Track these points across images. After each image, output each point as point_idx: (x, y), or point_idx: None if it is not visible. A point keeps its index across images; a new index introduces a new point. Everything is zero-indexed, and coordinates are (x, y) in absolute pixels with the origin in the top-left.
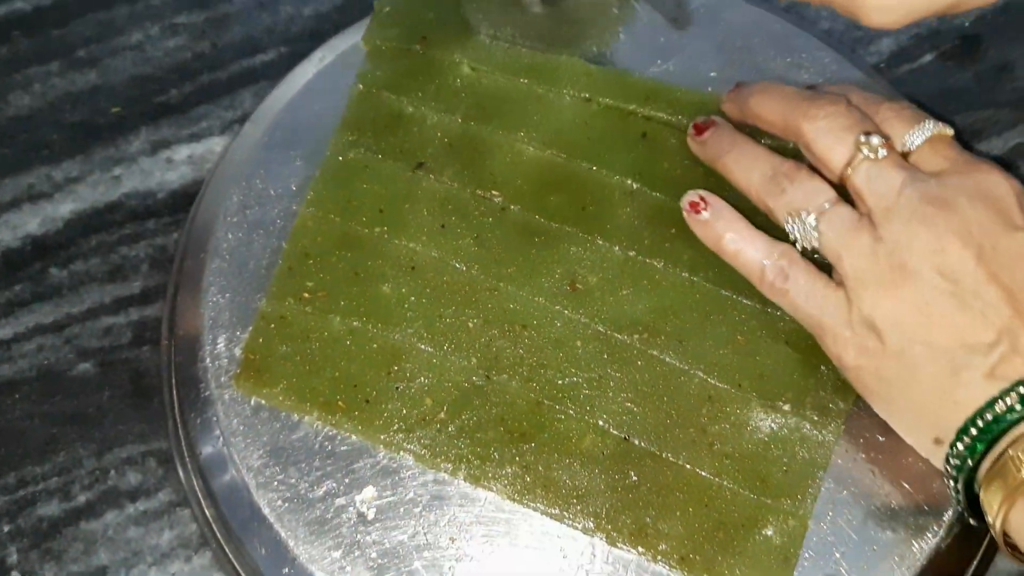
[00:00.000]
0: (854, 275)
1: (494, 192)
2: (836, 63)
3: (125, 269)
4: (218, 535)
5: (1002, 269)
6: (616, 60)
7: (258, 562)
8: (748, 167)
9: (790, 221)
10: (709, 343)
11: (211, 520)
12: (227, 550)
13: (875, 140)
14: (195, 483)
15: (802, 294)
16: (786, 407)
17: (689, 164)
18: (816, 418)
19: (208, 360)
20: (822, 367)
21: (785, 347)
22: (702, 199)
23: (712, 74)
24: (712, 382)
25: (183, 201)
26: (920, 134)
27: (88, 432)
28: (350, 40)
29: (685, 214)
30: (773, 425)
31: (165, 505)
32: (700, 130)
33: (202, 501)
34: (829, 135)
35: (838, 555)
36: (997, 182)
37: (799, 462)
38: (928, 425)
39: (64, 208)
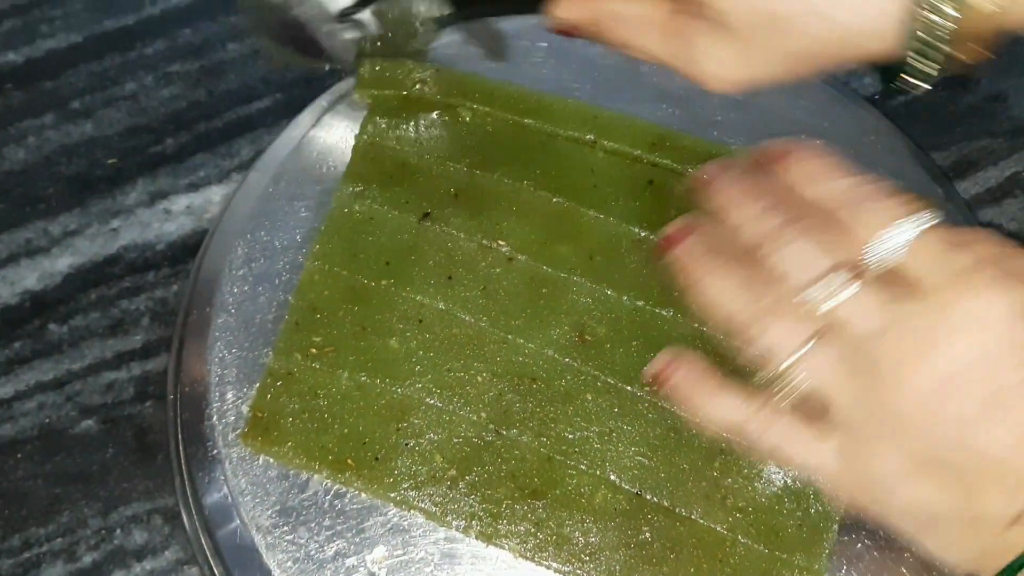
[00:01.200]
0: (845, 424)
1: (500, 242)
2: (831, 98)
3: (126, 323)
4: None
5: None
6: (619, 103)
7: None
8: (723, 298)
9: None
10: None
11: None
12: None
13: (840, 278)
14: (203, 542)
15: (788, 448)
16: None
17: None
18: None
19: (215, 417)
20: None
21: None
22: (666, 366)
23: (717, 118)
24: (724, 435)
25: (182, 252)
26: (898, 238)
27: (92, 491)
28: (352, 84)
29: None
30: (786, 478)
31: (172, 563)
32: (671, 243)
33: (210, 560)
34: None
35: None
36: (989, 305)
37: (812, 515)
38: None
39: (62, 262)
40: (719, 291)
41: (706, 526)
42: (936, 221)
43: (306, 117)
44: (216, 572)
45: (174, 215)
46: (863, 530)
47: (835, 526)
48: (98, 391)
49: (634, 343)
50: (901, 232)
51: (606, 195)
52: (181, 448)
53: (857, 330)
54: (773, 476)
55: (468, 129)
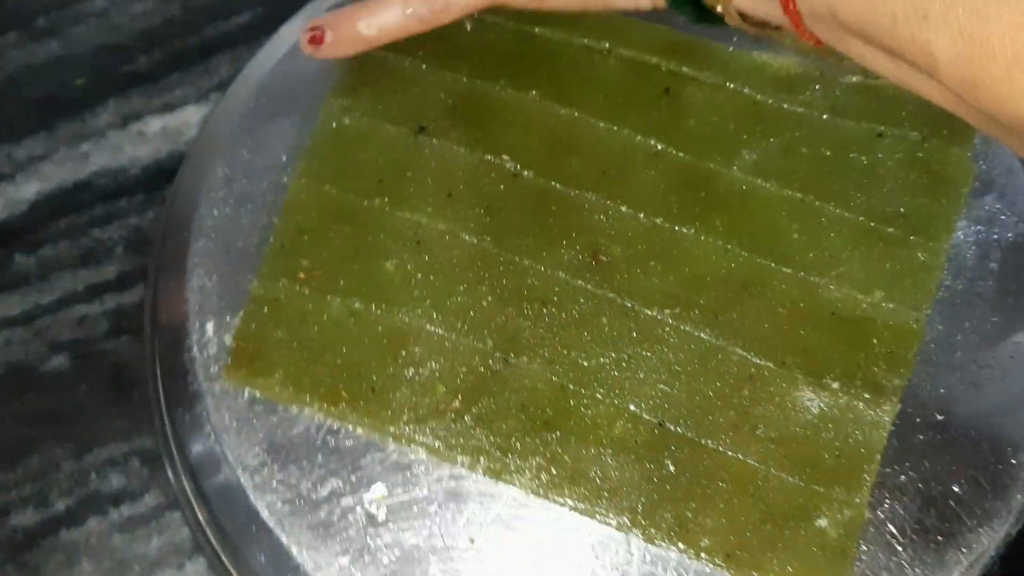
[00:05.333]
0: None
1: (505, 156)
2: None
3: (98, 253)
4: (213, 541)
5: None
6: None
7: (257, 570)
8: None
9: None
10: (748, 317)
11: (204, 525)
12: (223, 557)
13: None
14: (186, 485)
15: None
16: (835, 385)
17: (718, 121)
18: (869, 396)
19: (195, 350)
20: (873, 340)
21: (832, 319)
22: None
23: (734, 38)
24: (752, 359)
25: (158, 177)
26: None
27: (65, 432)
28: None
29: (307, 51)
30: (822, 405)
31: (152, 509)
32: None
33: (194, 504)
34: None
35: (898, 547)
36: None
37: (852, 445)
38: None
39: (29, 189)
40: None
41: (735, 458)
42: None
43: (290, 28)
44: (200, 516)
45: (148, 137)
46: (907, 461)
47: (877, 456)
48: (69, 326)
49: (652, 263)
50: None
51: (619, 105)
52: (160, 384)
53: None
54: (808, 404)
55: (469, 38)
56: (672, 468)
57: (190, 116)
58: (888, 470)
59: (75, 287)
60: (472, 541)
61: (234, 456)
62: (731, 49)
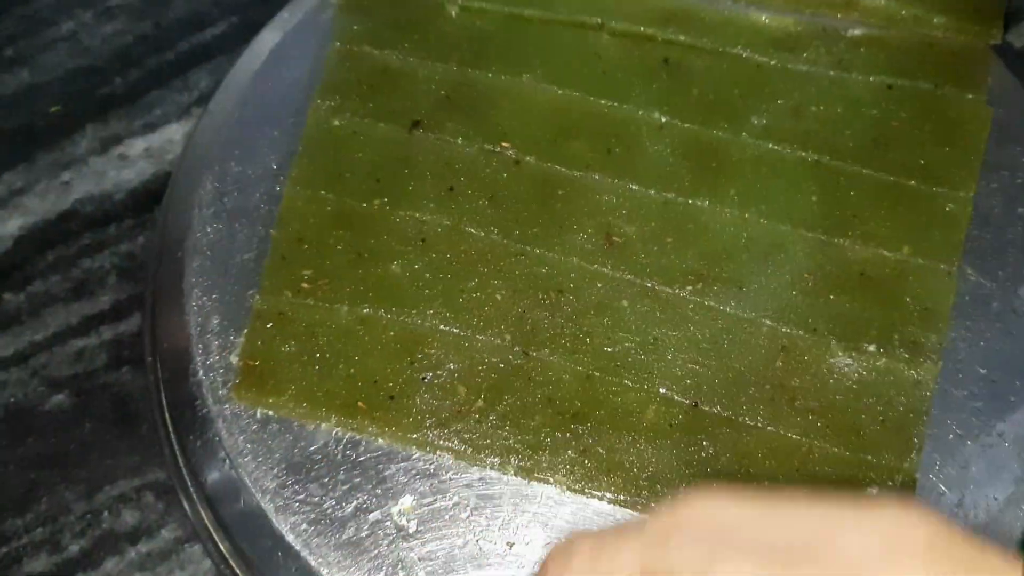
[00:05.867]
0: None
1: (504, 144)
2: None
3: (90, 284)
4: (238, 572)
5: None
6: None
7: None
8: None
9: None
10: (773, 286)
11: (227, 556)
12: None
13: None
14: (204, 516)
15: None
16: (872, 348)
17: (722, 88)
18: (908, 356)
19: (201, 373)
20: (906, 297)
21: (861, 279)
22: None
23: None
24: (783, 330)
25: (145, 200)
26: None
27: (72, 472)
28: None
29: None
30: (860, 370)
31: (171, 543)
32: None
33: (214, 535)
34: None
35: (955, 508)
36: None
37: (896, 409)
38: None
39: (11, 225)
40: None
41: (776, 433)
42: None
43: (269, 34)
44: (222, 547)
45: (131, 160)
46: (952, 420)
47: (924, 417)
48: (67, 361)
49: (669, 240)
50: None
51: (618, 81)
52: (166, 413)
53: None
54: (846, 370)
55: (455, 25)
56: (711, 449)
57: (173, 134)
58: (935, 431)
59: (69, 321)
60: (510, 545)
61: (252, 480)
62: (727, 13)
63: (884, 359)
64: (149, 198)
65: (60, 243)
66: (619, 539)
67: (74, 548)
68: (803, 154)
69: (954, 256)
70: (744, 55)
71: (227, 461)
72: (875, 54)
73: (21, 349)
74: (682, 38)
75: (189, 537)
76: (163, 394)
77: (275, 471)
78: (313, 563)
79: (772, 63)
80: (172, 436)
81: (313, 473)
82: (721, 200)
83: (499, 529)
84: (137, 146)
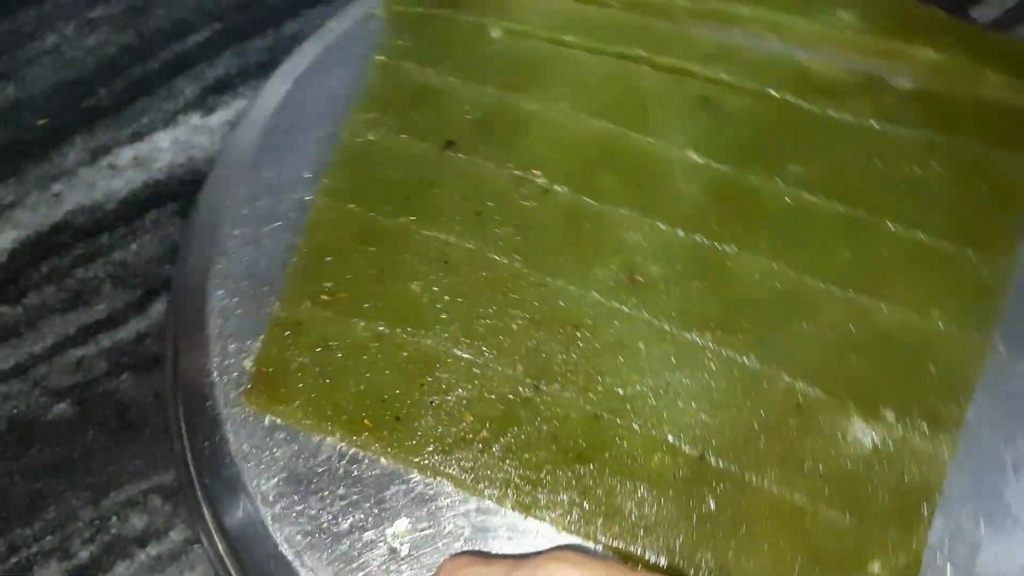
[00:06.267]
0: None
1: (535, 172)
2: None
3: (85, 293)
4: (232, 574)
5: None
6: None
7: None
8: None
9: None
10: (795, 342)
11: (224, 557)
12: None
13: None
14: (206, 516)
15: None
16: (890, 416)
17: (761, 131)
18: (927, 428)
19: (216, 374)
20: (931, 366)
21: (885, 343)
22: None
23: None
24: (800, 387)
25: (136, 208)
26: None
27: (77, 479)
28: (363, 8)
29: None
30: (875, 438)
31: (180, 544)
32: None
33: (214, 536)
34: None
35: None
36: None
37: (908, 482)
38: None
39: (4, 238)
40: None
41: (781, 496)
42: None
43: (312, 44)
44: (219, 548)
45: (120, 169)
46: (969, 501)
47: (936, 494)
48: (67, 371)
49: (693, 283)
50: None
51: (655, 116)
52: (180, 411)
53: None
54: (860, 435)
55: (497, 48)
56: (713, 505)
57: (160, 142)
58: (949, 509)
59: (67, 331)
60: None
61: (253, 486)
62: (773, 54)
63: (901, 429)
64: (140, 206)
65: (54, 255)
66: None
67: (84, 554)
68: (837, 206)
69: (986, 326)
70: (786, 99)
71: (232, 464)
72: (922, 108)
73: (21, 361)
74: (724, 76)
75: (197, 538)
76: (179, 391)
77: (276, 480)
78: (304, 575)
79: (814, 110)
80: (183, 434)
81: (313, 485)
82: (750, 247)
83: None
84: (125, 155)
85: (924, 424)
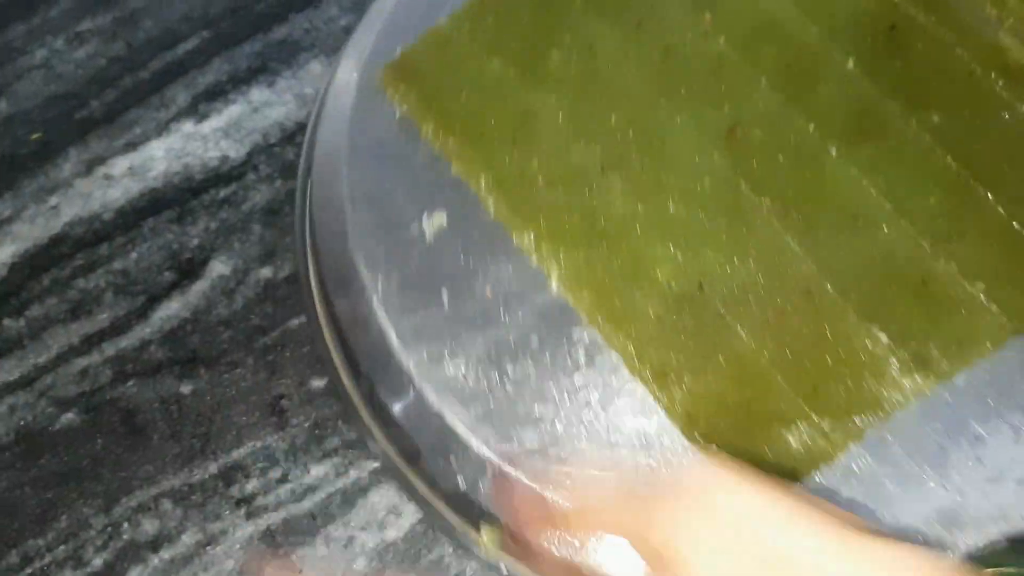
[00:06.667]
0: None
1: (708, 15)
2: None
3: (87, 303)
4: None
5: None
6: None
7: None
8: None
9: None
10: (841, 246)
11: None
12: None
13: None
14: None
15: None
16: (883, 337)
17: (926, 72)
18: (911, 364)
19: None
20: (950, 324)
21: (919, 285)
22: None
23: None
24: (819, 278)
25: (133, 217)
26: None
27: (88, 487)
28: None
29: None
30: (857, 347)
31: (192, 547)
32: None
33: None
34: None
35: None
36: None
37: (864, 393)
38: None
39: (4, 253)
40: None
41: (748, 347)
42: None
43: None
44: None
45: (116, 179)
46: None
47: (882, 416)
48: (72, 381)
49: (781, 159)
50: None
51: (839, 23)
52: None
53: None
54: (844, 339)
55: None
56: (687, 324)
57: (154, 150)
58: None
59: (70, 341)
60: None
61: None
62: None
63: (885, 352)
64: (136, 215)
65: (54, 266)
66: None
67: (97, 561)
68: (950, 160)
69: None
70: (970, 65)
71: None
72: None
73: (26, 373)
74: (919, 17)
75: (210, 541)
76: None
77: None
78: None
79: (991, 83)
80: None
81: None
82: (850, 155)
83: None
84: (120, 165)
85: (910, 360)
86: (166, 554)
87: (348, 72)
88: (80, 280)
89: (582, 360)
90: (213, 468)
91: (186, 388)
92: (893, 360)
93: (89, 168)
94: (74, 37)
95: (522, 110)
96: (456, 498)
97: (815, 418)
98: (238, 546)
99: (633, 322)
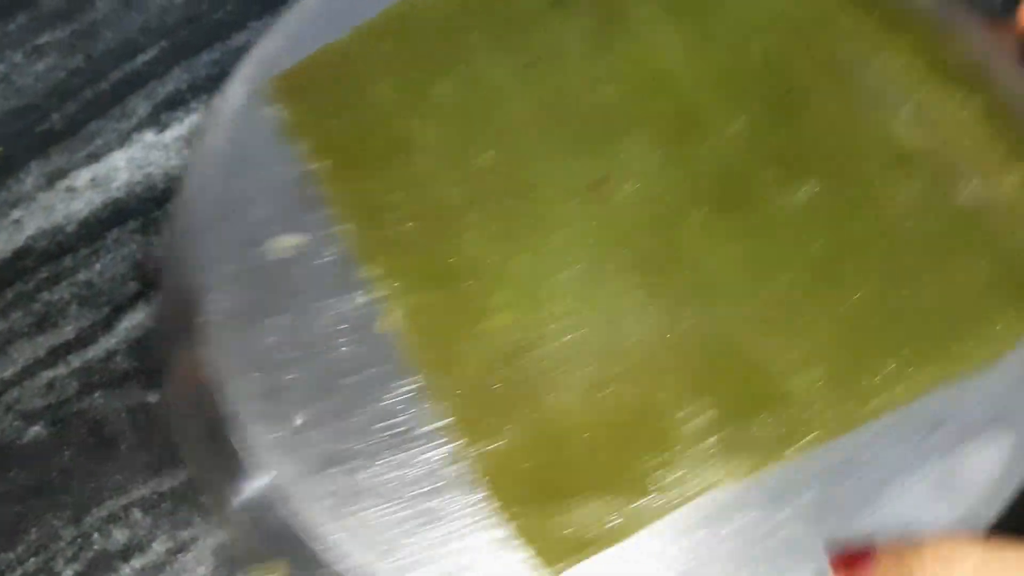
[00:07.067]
0: None
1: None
2: None
3: (52, 316)
4: None
5: None
6: None
7: None
8: None
9: None
10: (682, 312)
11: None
12: None
13: None
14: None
15: None
16: (707, 417)
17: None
18: (729, 447)
19: None
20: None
21: (755, 370)
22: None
23: None
24: (658, 348)
25: (97, 228)
26: None
27: (57, 499)
28: None
29: None
30: (679, 424)
31: (163, 555)
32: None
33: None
34: None
35: None
36: None
37: (677, 472)
38: None
39: None
40: None
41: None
42: None
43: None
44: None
45: (79, 191)
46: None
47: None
48: (38, 394)
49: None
50: None
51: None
52: None
53: None
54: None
55: None
56: (513, 378)
57: (117, 161)
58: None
59: (36, 354)
60: None
61: None
62: None
63: (707, 430)
64: (100, 226)
65: (18, 280)
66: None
67: (68, 572)
68: (816, 238)
69: None
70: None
71: None
72: None
73: None
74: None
75: (181, 548)
76: None
77: None
78: None
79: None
80: None
81: None
82: (719, 225)
83: None
84: (83, 177)
85: (728, 442)
86: (137, 563)
87: (241, 82)
88: (45, 293)
89: (400, 404)
90: (182, 476)
91: (153, 397)
92: (712, 440)
93: (51, 181)
94: (33, 51)
95: (399, 138)
96: None
97: (620, 492)
98: (209, 552)
99: (458, 370)
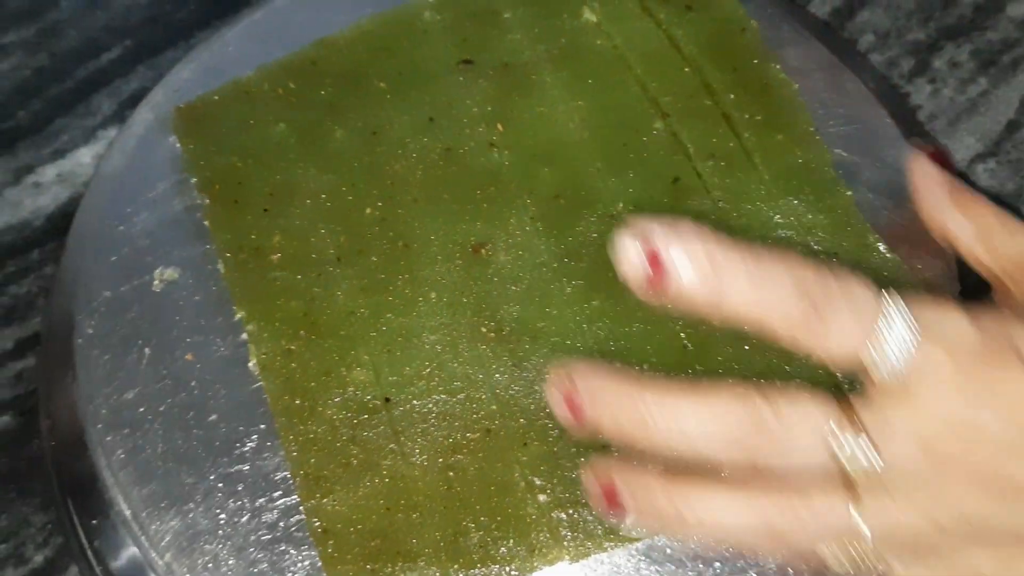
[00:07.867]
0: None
1: (500, 127)
2: None
3: (20, 308)
4: None
5: None
6: None
7: None
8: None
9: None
10: (534, 384)
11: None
12: None
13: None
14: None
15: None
16: (543, 497)
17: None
18: (564, 529)
19: None
20: None
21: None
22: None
23: None
24: (503, 419)
25: (64, 221)
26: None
27: (26, 487)
28: None
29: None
30: (516, 501)
31: None
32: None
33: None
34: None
35: None
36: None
37: (508, 549)
38: None
39: None
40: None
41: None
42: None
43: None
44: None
45: (45, 187)
46: None
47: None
48: (7, 384)
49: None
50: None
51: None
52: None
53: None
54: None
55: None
56: (359, 437)
57: (82, 157)
58: None
59: (4, 346)
60: None
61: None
62: None
63: (543, 509)
64: (67, 220)
65: None
66: None
67: (39, 558)
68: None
69: None
70: None
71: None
72: None
73: None
74: None
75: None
76: None
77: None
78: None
79: None
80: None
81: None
82: (584, 304)
83: None
84: (49, 173)
85: (563, 525)
86: None
87: (150, 108)
88: (12, 286)
89: (248, 450)
90: None
91: None
92: (553, 519)
93: (17, 177)
94: None
95: (287, 181)
96: None
97: (454, 561)
98: None
99: (307, 422)
